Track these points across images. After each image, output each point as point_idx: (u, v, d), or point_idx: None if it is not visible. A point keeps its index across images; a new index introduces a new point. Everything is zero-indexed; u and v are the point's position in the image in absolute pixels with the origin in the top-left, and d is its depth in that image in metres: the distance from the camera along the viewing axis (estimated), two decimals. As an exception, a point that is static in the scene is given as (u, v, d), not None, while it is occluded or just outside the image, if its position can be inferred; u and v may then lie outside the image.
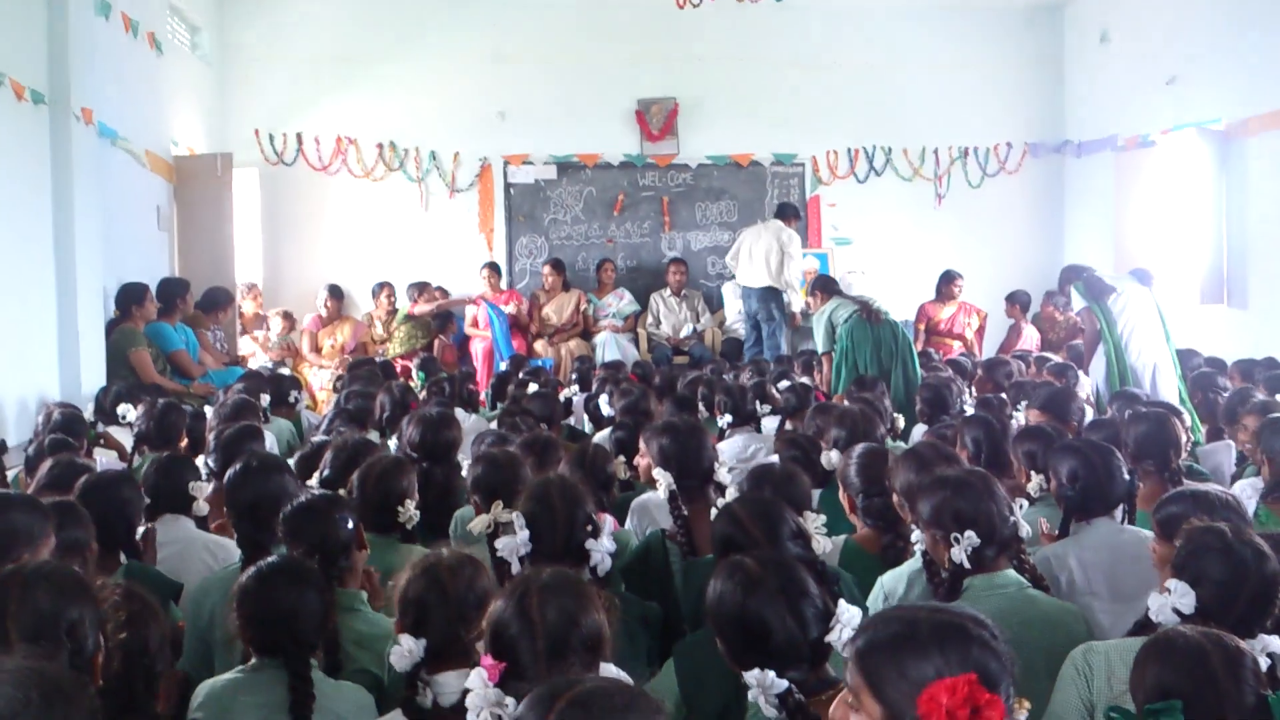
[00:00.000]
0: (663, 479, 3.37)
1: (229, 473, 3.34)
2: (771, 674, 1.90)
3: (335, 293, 9.72)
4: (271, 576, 2.42)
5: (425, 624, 2.17)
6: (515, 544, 2.59)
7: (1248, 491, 3.89)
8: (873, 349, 6.85)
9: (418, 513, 3.32)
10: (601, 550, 2.59)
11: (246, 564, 2.82)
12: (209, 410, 5.58)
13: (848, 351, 6.91)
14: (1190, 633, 1.87)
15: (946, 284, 9.65)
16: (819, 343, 7.34)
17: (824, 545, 2.70)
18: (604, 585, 2.60)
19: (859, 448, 3.58)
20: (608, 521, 2.70)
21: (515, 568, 2.56)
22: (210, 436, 4.49)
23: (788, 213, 9.36)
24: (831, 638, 2.02)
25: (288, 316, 9.65)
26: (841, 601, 2.07)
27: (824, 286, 7.72)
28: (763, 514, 2.65)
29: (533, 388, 6.31)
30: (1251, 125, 8.38)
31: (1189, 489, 3.07)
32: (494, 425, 5.20)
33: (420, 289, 9.93)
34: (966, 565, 2.58)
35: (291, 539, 2.81)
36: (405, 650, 2.11)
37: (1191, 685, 1.79)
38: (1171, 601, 2.23)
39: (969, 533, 2.56)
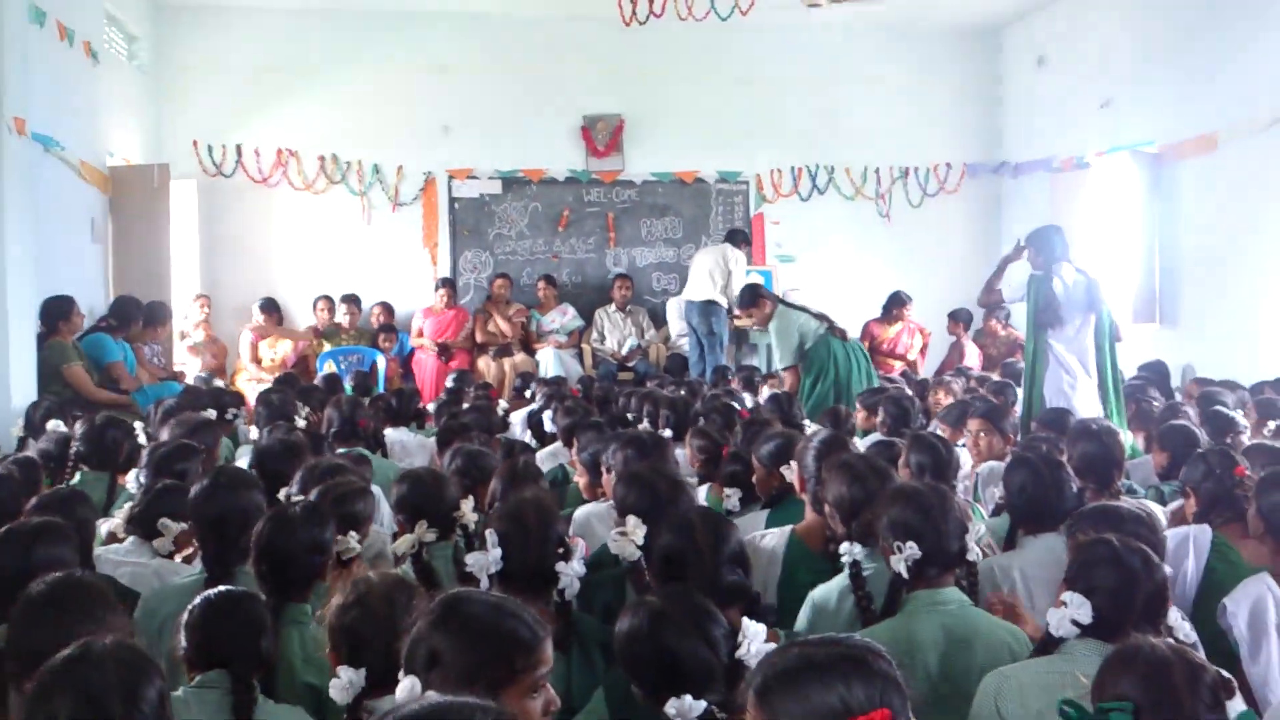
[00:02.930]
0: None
1: (195, 488, 3.21)
2: (689, 698, 1.92)
3: (270, 306, 9.59)
4: (217, 603, 2.37)
5: (361, 653, 2.14)
6: (486, 561, 2.56)
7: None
8: (856, 368, 6.80)
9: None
10: (571, 574, 2.57)
11: (210, 581, 2.76)
12: (138, 426, 5.44)
13: (824, 367, 6.81)
14: (1158, 644, 1.89)
15: (898, 306, 9.66)
16: (783, 357, 7.16)
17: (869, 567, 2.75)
18: (568, 609, 2.59)
19: (821, 433, 3.56)
20: (579, 545, 2.67)
21: (484, 584, 2.53)
22: (145, 453, 4.36)
23: (737, 238, 9.47)
24: (741, 653, 2.05)
25: (214, 341, 9.51)
26: (745, 619, 2.10)
27: (752, 299, 7.51)
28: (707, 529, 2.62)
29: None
30: (1184, 149, 8.59)
31: (1099, 505, 3.10)
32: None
33: (348, 301, 9.84)
34: (904, 576, 2.60)
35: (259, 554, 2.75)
36: (345, 682, 2.08)
37: (1150, 695, 1.80)
38: (1069, 614, 2.26)
39: (910, 544, 2.58)
